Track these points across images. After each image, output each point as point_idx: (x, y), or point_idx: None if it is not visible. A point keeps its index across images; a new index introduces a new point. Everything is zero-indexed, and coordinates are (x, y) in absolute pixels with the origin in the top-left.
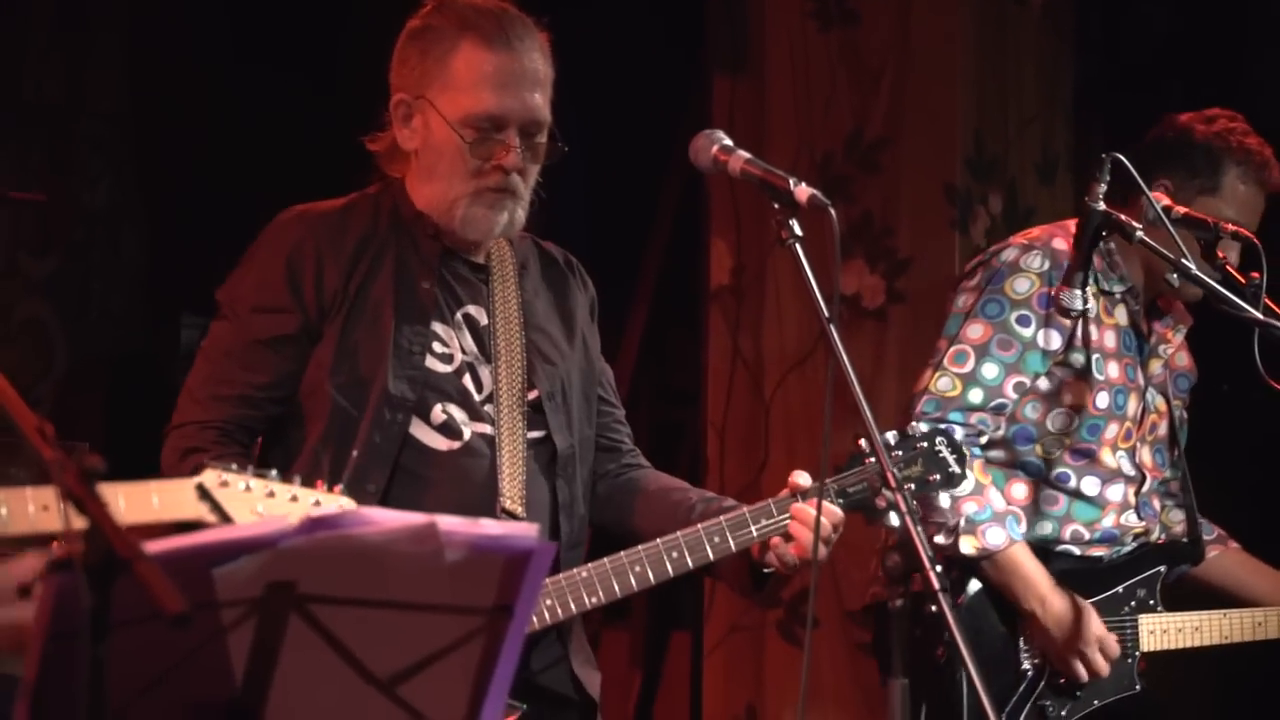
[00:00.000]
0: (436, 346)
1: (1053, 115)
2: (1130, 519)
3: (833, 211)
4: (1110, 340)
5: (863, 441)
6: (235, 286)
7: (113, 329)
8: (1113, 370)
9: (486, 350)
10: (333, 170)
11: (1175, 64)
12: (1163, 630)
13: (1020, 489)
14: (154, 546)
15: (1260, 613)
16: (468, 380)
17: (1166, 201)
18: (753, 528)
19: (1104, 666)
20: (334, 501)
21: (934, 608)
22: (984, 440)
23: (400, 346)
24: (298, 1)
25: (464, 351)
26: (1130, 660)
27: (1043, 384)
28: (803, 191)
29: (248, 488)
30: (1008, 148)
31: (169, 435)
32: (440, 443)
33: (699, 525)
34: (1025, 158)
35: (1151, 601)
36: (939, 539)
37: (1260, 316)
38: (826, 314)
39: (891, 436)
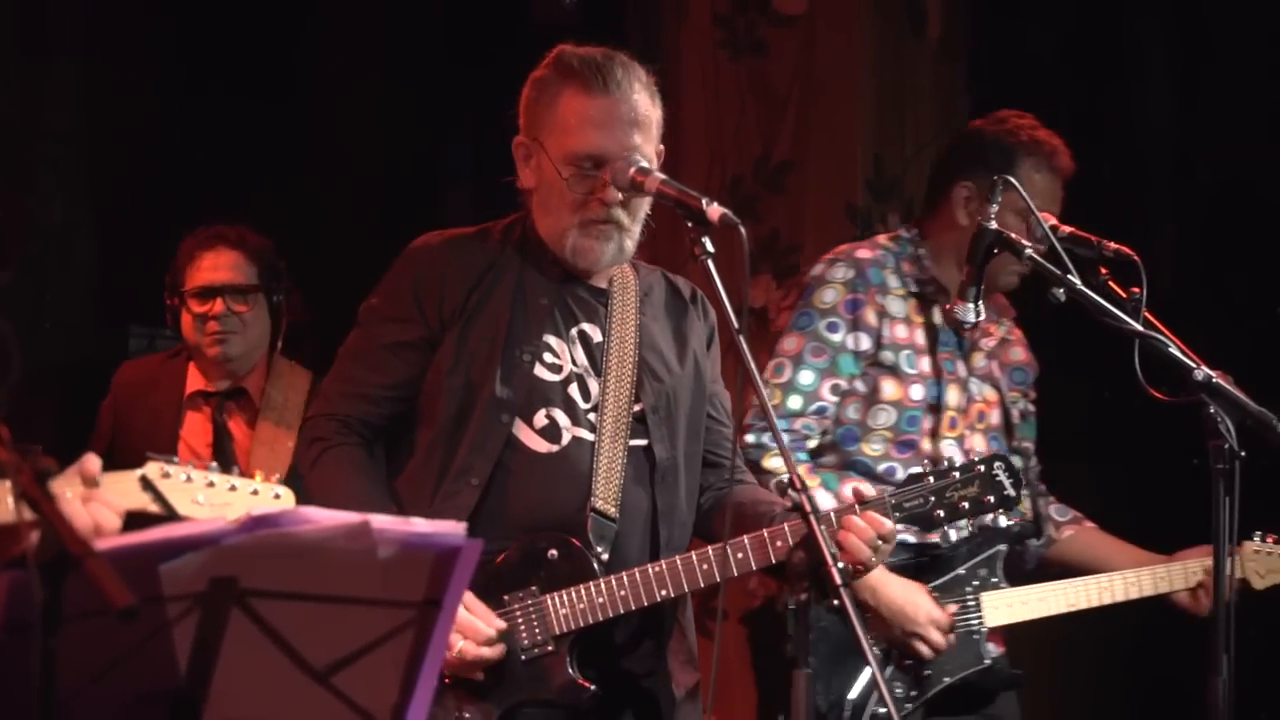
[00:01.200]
0: (547, 357)
1: (947, 140)
2: None
3: (743, 229)
4: (922, 337)
5: (927, 461)
6: (370, 299)
7: (65, 338)
8: (925, 365)
9: (598, 365)
10: (275, 191)
11: (1061, 93)
12: (1007, 605)
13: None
14: (103, 544)
15: (1105, 578)
16: (574, 390)
17: (1053, 221)
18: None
19: (941, 642)
20: (270, 490)
21: (835, 602)
22: (811, 444)
23: (511, 354)
24: (246, 27)
25: (574, 364)
26: (976, 637)
27: (859, 385)
28: (714, 211)
29: (189, 478)
30: (905, 170)
31: (303, 426)
32: (540, 445)
33: (764, 530)
34: (922, 180)
35: (994, 579)
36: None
37: (1141, 329)
38: (736, 326)
39: (956, 459)
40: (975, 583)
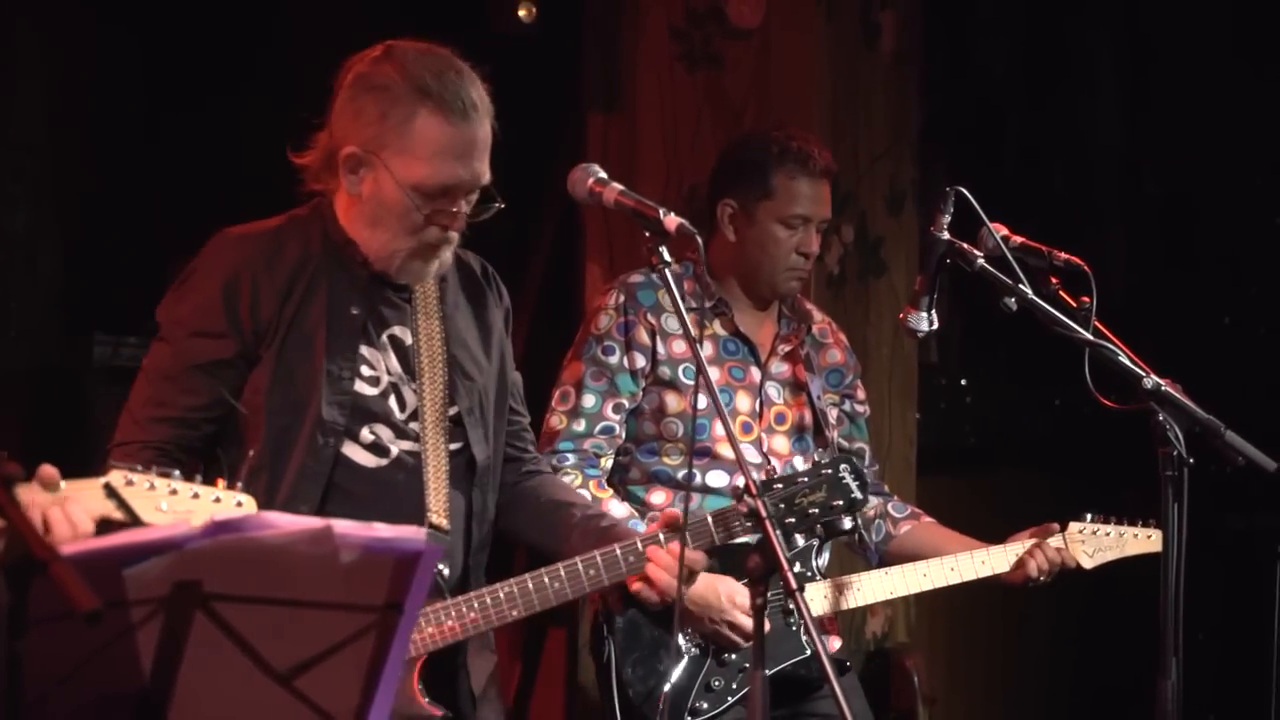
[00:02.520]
0: (364, 370)
1: (900, 151)
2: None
3: (699, 239)
4: (706, 349)
5: (739, 480)
6: (173, 308)
7: (30, 346)
8: (712, 374)
9: (411, 369)
10: (238, 200)
11: (1012, 105)
12: (824, 596)
13: (659, 497)
14: (68, 548)
15: (924, 565)
16: (392, 401)
17: (1005, 232)
18: (623, 566)
19: (747, 623)
20: (232, 498)
21: (791, 605)
22: (606, 463)
23: (331, 373)
24: (210, 37)
25: (389, 373)
26: (794, 629)
27: (644, 402)
28: (671, 221)
29: (152, 486)
30: (859, 181)
31: (111, 452)
32: (369, 460)
33: (578, 560)
34: (875, 191)
35: (809, 574)
36: None
37: (1090, 338)
38: (693, 334)
39: (799, 464)
40: None
